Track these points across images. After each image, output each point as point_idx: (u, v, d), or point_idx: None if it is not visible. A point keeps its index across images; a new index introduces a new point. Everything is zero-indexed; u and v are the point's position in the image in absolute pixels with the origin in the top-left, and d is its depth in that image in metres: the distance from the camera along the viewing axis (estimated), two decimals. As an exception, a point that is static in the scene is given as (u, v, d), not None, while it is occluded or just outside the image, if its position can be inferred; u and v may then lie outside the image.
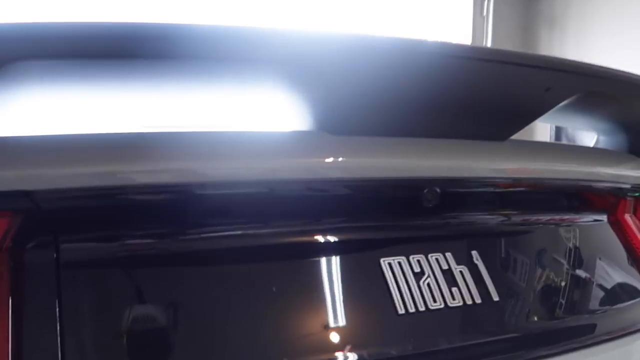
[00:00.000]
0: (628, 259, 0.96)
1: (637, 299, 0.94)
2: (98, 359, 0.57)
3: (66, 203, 0.59)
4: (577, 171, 0.89)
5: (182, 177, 0.61)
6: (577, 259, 0.90)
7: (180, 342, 0.59)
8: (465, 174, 0.76)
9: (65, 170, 0.58)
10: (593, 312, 0.85)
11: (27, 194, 0.57)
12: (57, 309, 0.56)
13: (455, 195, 0.78)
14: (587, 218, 0.96)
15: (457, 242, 0.77)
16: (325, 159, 0.68)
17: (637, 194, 1.05)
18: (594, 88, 0.78)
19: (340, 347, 0.65)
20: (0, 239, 0.57)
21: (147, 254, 0.63)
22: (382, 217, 0.73)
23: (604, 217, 0.99)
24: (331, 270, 0.69)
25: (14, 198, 0.57)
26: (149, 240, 0.62)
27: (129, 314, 0.59)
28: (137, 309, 0.60)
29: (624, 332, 0.86)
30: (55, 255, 0.58)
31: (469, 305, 0.71)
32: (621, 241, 0.98)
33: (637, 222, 1.04)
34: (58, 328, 0.55)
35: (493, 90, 0.72)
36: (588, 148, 1.00)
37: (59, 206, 0.59)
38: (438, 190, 0.75)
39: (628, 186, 1.02)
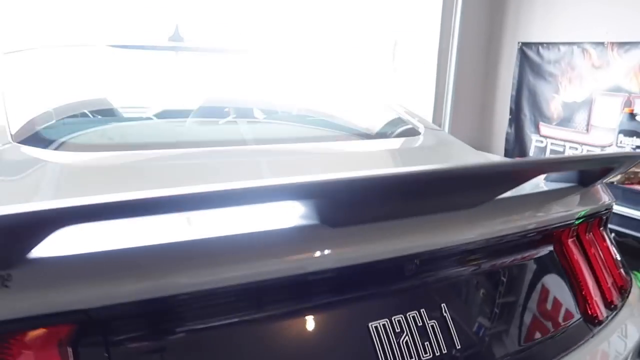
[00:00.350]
0: (571, 282, 1.16)
1: (578, 316, 1.14)
2: None
3: (113, 313, 0.71)
4: (534, 222, 1.06)
5: (213, 283, 0.73)
6: (533, 291, 1.08)
7: None
8: (440, 245, 0.91)
9: (113, 289, 0.69)
10: (548, 337, 1.06)
11: (81, 311, 0.69)
12: None
13: (428, 261, 0.93)
14: (537, 253, 1.13)
15: (429, 298, 0.93)
16: (327, 249, 0.81)
17: (579, 221, 1.23)
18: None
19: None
20: (59, 347, 0.69)
21: (180, 346, 0.76)
22: (370, 288, 0.88)
23: (551, 247, 1.17)
24: (335, 334, 0.85)
25: (70, 315, 0.68)
26: (182, 335, 0.75)
27: None
28: None
29: (572, 348, 1.06)
30: (106, 354, 0.71)
31: (440, 354, 0.89)
32: (565, 267, 1.17)
33: (577, 245, 1.23)
34: None
35: (464, 190, 0.85)
36: (541, 194, 1.14)
37: (107, 316, 0.71)
38: (417, 261, 0.90)
39: (574, 219, 1.19)
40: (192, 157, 1.16)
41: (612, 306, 1.22)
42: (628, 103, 3.01)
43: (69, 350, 0.69)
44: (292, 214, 0.82)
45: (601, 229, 1.34)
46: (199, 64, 1.95)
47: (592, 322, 1.14)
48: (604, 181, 1.28)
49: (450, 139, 1.64)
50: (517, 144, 3.81)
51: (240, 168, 1.14)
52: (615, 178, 2.54)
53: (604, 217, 1.34)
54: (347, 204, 0.78)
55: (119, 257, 0.71)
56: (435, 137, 1.57)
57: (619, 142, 2.81)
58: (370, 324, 0.85)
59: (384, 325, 0.86)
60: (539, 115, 3.61)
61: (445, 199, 0.89)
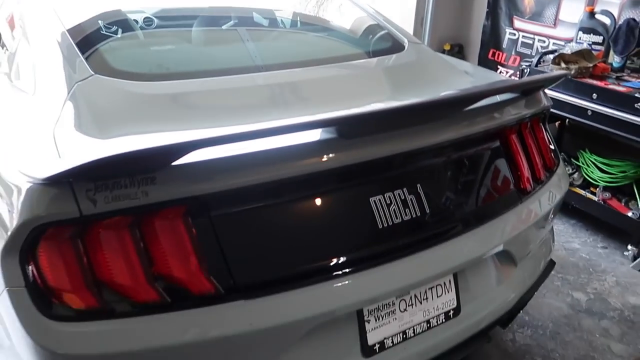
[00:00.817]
0: (510, 167, 1.61)
1: (513, 188, 1.61)
2: (237, 255, 1.18)
3: (213, 198, 1.14)
4: (487, 125, 1.49)
5: (276, 177, 1.17)
6: (481, 172, 1.54)
7: (283, 242, 1.22)
8: (419, 146, 1.34)
9: (211, 184, 1.12)
10: (491, 201, 1.54)
11: (194, 197, 1.12)
12: (215, 237, 1.15)
13: (410, 156, 1.36)
14: (487, 146, 1.57)
15: (409, 180, 1.37)
16: (342, 153, 1.24)
17: (520, 121, 1.65)
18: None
19: (355, 242, 1.31)
20: (182, 217, 1.13)
21: (250, 210, 1.20)
22: (371, 176, 1.32)
23: (498, 141, 1.60)
24: (349, 205, 1.31)
25: (188, 199, 1.11)
26: (251, 205, 1.19)
27: (248, 237, 1.19)
28: (254, 236, 1.20)
29: (505, 211, 1.55)
30: (207, 216, 1.15)
31: (415, 216, 1.36)
32: (507, 154, 1.62)
33: (518, 138, 1.66)
34: (217, 245, 1.15)
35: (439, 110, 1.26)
36: (494, 104, 1.54)
37: (209, 199, 1.14)
38: (402, 157, 1.33)
39: (516, 121, 1.61)
40: (232, 84, 1.52)
41: (540, 181, 1.70)
42: (591, 0, 3.29)
43: (188, 218, 1.13)
44: (321, 131, 1.23)
45: (540, 125, 1.77)
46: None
47: (523, 193, 1.62)
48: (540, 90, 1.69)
49: (428, 51, 2.00)
50: (492, 36, 4.11)
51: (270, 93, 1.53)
52: (570, 72, 2.98)
53: (542, 116, 1.76)
54: (356, 126, 1.19)
55: (214, 163, 1.13)
56: (417, 51, 1.92)
57: (578, 38, 3.15)
58: (371, 198, 1.31)
59: (379, 199, 1.32)
60: (514, 9, 3.87)
61: (422, 118, 1.30)
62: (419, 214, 1.37)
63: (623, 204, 3.00)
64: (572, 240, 3.13)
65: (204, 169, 1.12)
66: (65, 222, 1.05)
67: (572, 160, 3.29)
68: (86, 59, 1.51)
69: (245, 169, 1.16)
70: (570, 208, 3.23)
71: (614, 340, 2.32)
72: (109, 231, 1.09)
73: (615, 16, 3.11)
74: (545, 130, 1.82)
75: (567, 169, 3.28)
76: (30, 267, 1.07)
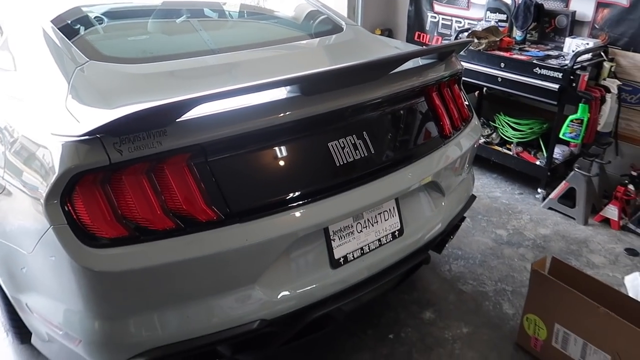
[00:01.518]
0: (434, 117, 2.04)
1: (436, 134, 2.04)
2: (231, 189, 1.51)
3: (209, 144, 1.47)
4: (412, 84, 1.89)
5: (256, 127, 1.51)
6: (412, 121, 1.95)
7: (265, 178, 1.57)
8: (362, 100, 1.72)
9: (209, 134, 1.45)
10: (420, 144, 1.96)
11: (196, 145, 1.44)
12: (212, 176, 1.48)
13: (356, 109, 1.74)
14: (415, 101, 1.98)
15: (357, 128, 1.76)
16: (304, 107, 1.60)
17: (439, 81, 2.08)
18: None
19: (317, 176, 1.67)
20: (187, 162, 1.45)
21: (237, 155, 1.54)
22: (328, 125, 1.69)
23: (423, 98, 2.02)
24: (312, 148, 1.67)
25: (191, 146, 1.44)
26: (238, 150, 1.53)
27: (238, 176, 1.53)
28: (242, 174, 1.54)
29: (431, 151, 1.97)
30: (205, 160, 1.48)
31: (363, 156, 1.74)
32: (430, 108, 2.04)
33: (439, 95, 2.09)
34: (215, 182, 1.48)
35: (373, 71, 1.65)
36: (417, 67, 1.96)
37: (207, 146, 1.46)
38: (350, 110, 1.71)
39: (435, 80, 2.04)
40: (205, 63, 1.84)
41: (458, 128, 2.14)
42: (497, -16, 3.82)
43: (191, 163, 1.46)
44: (286, 90, 1.59)
45: (455, 85, 2.21)
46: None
47: (444, 137, 2.05)
48: (454, 55, 2.12)
49: (364, 31, 2.39)
50: (416, 20, 4.58)
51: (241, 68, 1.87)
52: (481, 47, 3.47)
53: (457, 77, 2.20)
54: (314, 85, 1.56)
55: (209, 119, 1.46)
56: (354, 31, 2.31)
57: (487, 17, 3.66)
58: (328, 143, 1.68)
59: (335, 143, 1.69)
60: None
61: (364, 76, 1.68)
62: (366, 154, 1.76)
63: (532, 155, 3.55)
64: (494, 190, 3.65)
65: (202, 123, 1.45)
66: (97, 170, 1.35)
67: (490, 123, 3.82)
68: (78, 48, 1.79)
69: (232, 122, 1.50)
70: (491, 163, 3.76)
71: (528, 262, 2.84)
72: (132, 175, 1.40)
73: (516, -3, 3.65)
74: (460, 89, 2.26)
75: (486, 130, 3.81)
76: (69, 207, 1.36)
